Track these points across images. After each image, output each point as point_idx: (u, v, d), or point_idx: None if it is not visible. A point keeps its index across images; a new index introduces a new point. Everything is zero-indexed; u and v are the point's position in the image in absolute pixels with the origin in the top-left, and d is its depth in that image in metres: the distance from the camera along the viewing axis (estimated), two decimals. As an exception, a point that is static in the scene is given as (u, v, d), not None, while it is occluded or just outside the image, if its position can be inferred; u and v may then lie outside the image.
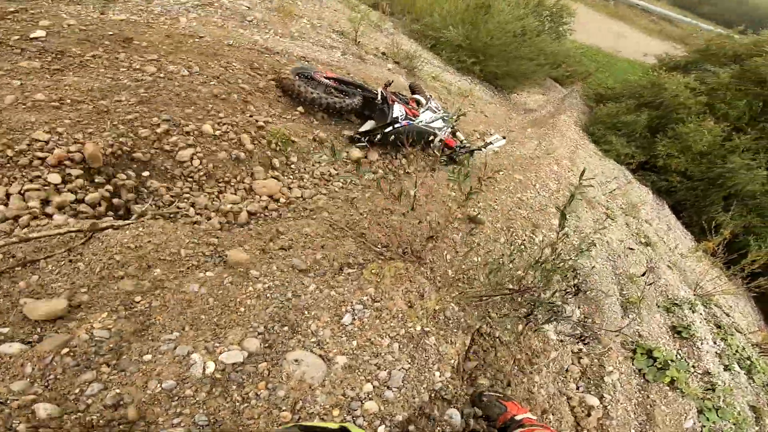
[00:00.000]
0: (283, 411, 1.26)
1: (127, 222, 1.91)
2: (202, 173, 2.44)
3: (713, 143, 8.88)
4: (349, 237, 2.17)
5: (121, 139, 2.26)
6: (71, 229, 1.75)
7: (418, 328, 1.66)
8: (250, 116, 2.89)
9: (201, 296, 1.56)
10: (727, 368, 3.23)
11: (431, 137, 3.42)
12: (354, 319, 1.58)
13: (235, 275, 1.69)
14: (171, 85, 2.71)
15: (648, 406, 2.40)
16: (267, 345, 1.43)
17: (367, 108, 3.36)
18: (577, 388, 2.22)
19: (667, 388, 2.51)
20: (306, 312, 1.57)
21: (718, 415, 2.71)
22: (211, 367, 1.33)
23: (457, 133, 3.88)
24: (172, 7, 3.54)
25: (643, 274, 3.82)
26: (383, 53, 6.58)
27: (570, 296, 2.29)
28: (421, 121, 3.36)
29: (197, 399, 1.23)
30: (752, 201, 8.50)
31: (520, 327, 2.02)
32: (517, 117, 9.47)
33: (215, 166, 2.50)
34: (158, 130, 2.44)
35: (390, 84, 3.43)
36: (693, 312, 3.74)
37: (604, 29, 19.83)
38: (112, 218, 2.01)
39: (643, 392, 2.41)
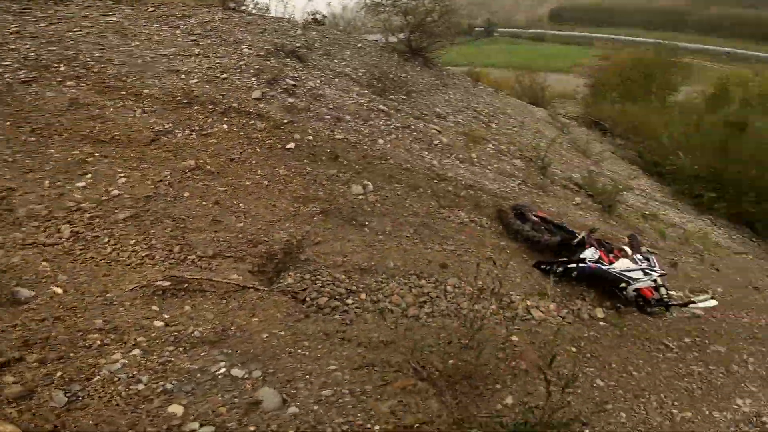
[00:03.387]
0: None
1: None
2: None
3: None
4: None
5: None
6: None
7: None
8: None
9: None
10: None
11: (622, 284, 3.44)
12: None
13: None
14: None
15: None
16: None
17: (564, 249, 3.65)
18: None
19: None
20: None
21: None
22: None
23: (662, 288, 3.62)
24: (377, 128, 4.45)
25: None
26: (577, 184, 6.07)
27: None
28: (614, 268, 3.44)
29: None
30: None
31: None
32: (780, 279, 6.54)
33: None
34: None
35: (595, 231, 3.73)
36: None
37: None
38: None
39: None
